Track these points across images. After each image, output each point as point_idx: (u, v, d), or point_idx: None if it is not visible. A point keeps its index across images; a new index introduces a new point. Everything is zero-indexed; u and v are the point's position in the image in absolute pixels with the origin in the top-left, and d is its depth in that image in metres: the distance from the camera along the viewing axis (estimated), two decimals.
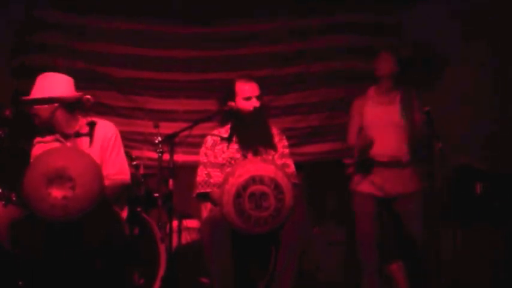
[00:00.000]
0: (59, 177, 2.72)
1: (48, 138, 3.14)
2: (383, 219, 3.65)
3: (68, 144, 3.10)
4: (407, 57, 3.72)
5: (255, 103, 3.22)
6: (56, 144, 3.10)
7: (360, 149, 3.59)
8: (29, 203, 2.76)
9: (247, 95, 3.23)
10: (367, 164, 3.60)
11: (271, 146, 3.26)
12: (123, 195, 3.19)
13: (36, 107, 3.04)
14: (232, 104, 3.25)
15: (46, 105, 3.04)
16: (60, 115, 3.07)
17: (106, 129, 3.16)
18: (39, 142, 3.15)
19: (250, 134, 3.23)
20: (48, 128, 3.10)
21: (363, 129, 3.66)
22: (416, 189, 3.60)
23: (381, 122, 3.61)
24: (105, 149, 3.10)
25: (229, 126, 3.32)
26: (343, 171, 3.91)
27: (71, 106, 3.10)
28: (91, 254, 2.81)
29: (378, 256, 3.60)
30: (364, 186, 3.63)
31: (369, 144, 3.52)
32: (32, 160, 3.03)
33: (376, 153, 3.58)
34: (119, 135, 3.19)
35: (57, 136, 3.12)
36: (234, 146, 3.27)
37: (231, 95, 3.26)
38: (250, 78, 3.31)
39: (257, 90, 3.25)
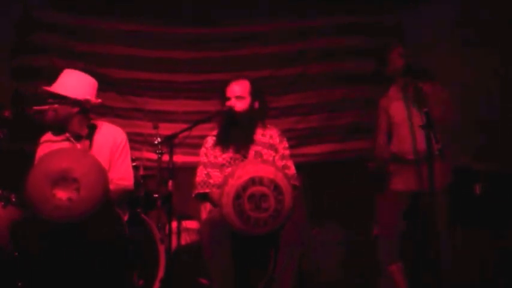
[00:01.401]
0: (64, 179, 2.72)
1: (57, 137, 3.13)
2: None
3: (78, 145, 3.11)
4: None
5: (232, 103, 3.20)
6: (65, 144, 3.10)
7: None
8: (32, 204, 2.75)
9: (227, 95, 3.24)
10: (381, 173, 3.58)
11: (245, 150, 3.22)
12: (124, 200, 3.21)
13: (57, 103, 3.04)
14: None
15: (70, 105, 3.05)
16: (77, 117, 3.09)
17: (116, 134, 3.18)
18: (47, 141, 3.14)
19: (229, 134, 3.21)
20: (59, 127, 3.10)
21: (392, 127, 3.61)
22: (445, 183, 3.45)
23: (404, 117, 3.52)
24: (113, 154, 3.12)
25: None
26: (342, 172, 3.90)
27: (88, 110, 3.13)
28: (92, 255, 2.81)
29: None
30: (398, 184, 3.55)
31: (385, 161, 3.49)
32: (36, 160, 3.03)
33: (407, 151, 3.53)
34: (127, 142, 3.21)
35: (68, 136, 3.12)
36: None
37: (224, 96, 3.27)
38: (239, 78, 3.28)
39: (238, 91, 3.22)
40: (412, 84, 3.45)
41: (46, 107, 3.07)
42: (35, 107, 3.11)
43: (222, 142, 3.24)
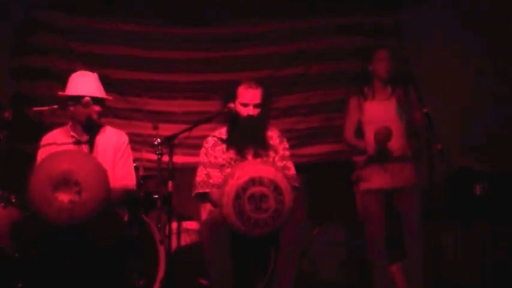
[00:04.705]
0: (65, 181, 2.72)
1: (62, 140, 3.14)
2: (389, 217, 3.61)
3: (84, 148, 3.13)
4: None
5: (250, 111, 3.20)
6: (71, 147, 3.11)
7: (379, 140, 3.50)
8: (34, 207, 2.75)
9: (245, 101, 3.22)
10: (384, 155, 3.52)
11: (264, 150, 3.24)
12: (127, 199, 3.22)
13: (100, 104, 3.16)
14: (231, 105, 3.24)
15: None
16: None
17: (119, 136, 3.26)
18: (50, 144, 3.12)
19: (243, 137, 3.21)
20: (94, 127, 3.16)
21: (363, 126, 3.61)
22: (416, 184, 3.53)
23: (380, 118, 3.55)
24: (116, 155, 3.18)
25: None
26: (342, 172, 3.90)
27: None
28: (92, 256, 2.81)
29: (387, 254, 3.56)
30: (372, 183, 3.55)
31: (389, 134, 3.47)
32: (38, 163, 3.01)
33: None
34: (129, 144, 3.29)
35: (74, 138, 3.14)
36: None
37: (232, 96, 3.26)
38: (255, 84, 3.26)
39: (258, 98, 3.22)
40: (399, 87, 3.52)
41: (46, 108, 3.08)
42: (35, 108, 3.12)
43: (231, 143, 3.24)
